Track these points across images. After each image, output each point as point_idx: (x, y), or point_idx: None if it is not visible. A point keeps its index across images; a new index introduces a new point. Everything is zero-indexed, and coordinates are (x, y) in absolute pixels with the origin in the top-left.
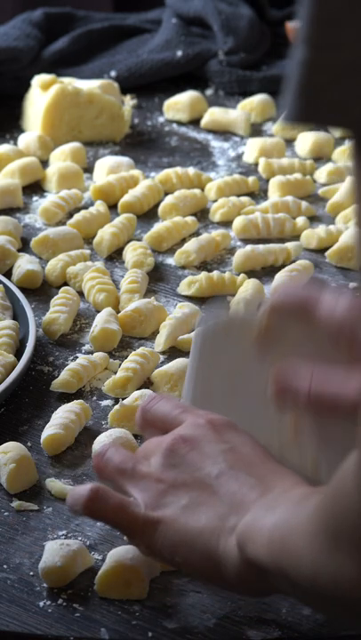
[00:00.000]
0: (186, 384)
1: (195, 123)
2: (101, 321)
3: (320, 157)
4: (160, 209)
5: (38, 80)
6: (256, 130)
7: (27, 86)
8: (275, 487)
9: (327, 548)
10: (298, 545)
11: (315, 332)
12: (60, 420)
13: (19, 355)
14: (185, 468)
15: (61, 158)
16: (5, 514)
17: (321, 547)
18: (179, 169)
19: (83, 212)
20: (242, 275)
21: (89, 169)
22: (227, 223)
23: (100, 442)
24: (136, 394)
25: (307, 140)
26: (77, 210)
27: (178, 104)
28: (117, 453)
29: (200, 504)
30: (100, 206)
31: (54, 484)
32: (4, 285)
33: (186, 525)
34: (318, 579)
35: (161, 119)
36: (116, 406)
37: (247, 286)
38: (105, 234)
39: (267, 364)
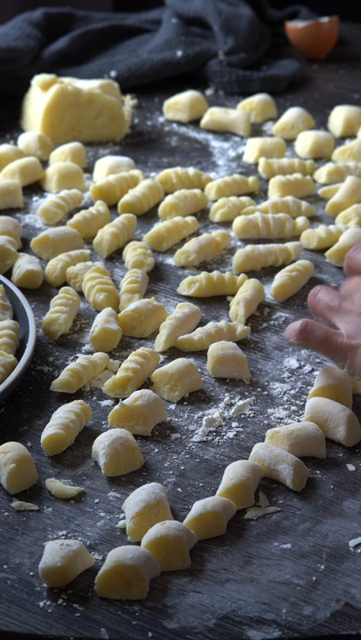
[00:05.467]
0: None
1: (195, 123)
2: (101, 321)
3: (320, 157)
4: (160, 209)
5: (38, 80)
6: (256, 130)
7: (27, 86)
8: None
9: None
10: None
11: None
12: (60, 420)
13: (19, 355)
14: None
15: (61, 158)
16: (5, 514)
17: None
18: (179, 169)
19: (83, 212)
20: (242, 275)
21: (89, 169)
22: (227, 223)
23: (100, 442)
24: (136, 394)
25: (307, 140)
26: (77, 210)
27: (178, 104)
28: (327, 293)
29: None
30: (100, 206)
31: (54, 484)
32: (4, 285)
33: None
34: None
35: (161, 119)
36: (116, 406)
37: (247, 286)
38: (105, 234)
39: None
